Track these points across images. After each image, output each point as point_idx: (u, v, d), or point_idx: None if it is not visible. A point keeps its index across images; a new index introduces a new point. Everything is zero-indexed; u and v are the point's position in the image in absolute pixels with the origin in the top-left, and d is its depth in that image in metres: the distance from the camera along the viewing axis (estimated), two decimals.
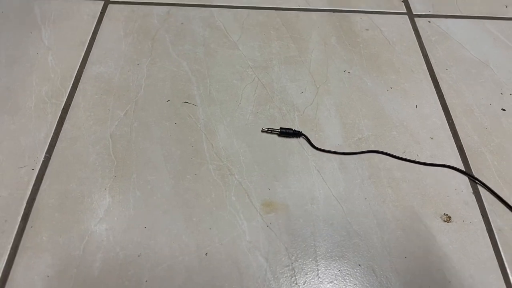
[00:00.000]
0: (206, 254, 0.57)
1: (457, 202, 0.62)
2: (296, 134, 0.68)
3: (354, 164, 0.65)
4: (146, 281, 0.54)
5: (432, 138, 0.69)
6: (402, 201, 0.62)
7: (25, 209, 0.60)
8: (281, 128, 0.68)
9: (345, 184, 0.63)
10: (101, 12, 0.85)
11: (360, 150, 0.66)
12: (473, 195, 0.63)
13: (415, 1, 0.90)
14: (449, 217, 0.61)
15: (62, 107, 0.70)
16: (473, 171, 0.65)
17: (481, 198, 0.63)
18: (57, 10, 0.84)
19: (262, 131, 0.69)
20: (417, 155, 0.66)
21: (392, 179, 0.64)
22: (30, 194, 0.61)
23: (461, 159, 0.67)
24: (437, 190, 0.63)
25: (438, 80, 0.76)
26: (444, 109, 0.73)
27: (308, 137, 0.68)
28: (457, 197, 0.63)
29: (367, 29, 0.84)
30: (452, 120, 0.71)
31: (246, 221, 0.59)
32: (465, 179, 0.65)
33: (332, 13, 0.87)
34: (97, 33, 0.81)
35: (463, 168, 0.65)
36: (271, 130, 0.69)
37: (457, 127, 0.70)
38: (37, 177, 0.63)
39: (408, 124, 0.70)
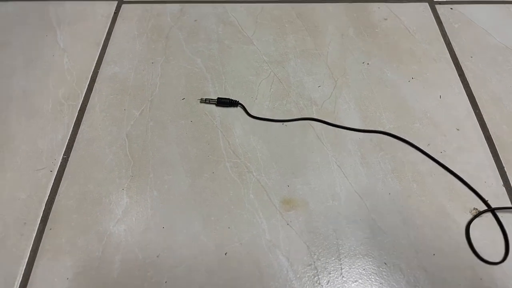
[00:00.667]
0: (225, 254, 0.55)
1: (487, 195, 0.59)
2: (233, 103, 0.70)
3: (376, 158, 0.63)
4: (165, 282, 0.53)
5: (458, 129, 0.66)
6: (428, 196, 0.59)
7: (44, 211, 0.59)
8: (218, 98, 0.70)
9: (368, 179, 0.61)
10: (114, 12, 0.84)
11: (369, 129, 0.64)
12: (504, 188, 0.60)
13: None
14: (479, 211, 0.58)
15: (78, 108, 0.70)
16: (503, 162, 0.62)
17: None
18: (71, 12, 0.84)
19: (201, 101, 0.70)
20: (444, 150, 0.64)
21: (417, 173, 0.61)
22: (49, 196, 0.61)
23: (490, 150, 0.63)
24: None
25: (463, 69, 0.73)
26: (470, 98, 0.70)
27: (244, 106, 0.69)
28: (487, 190, 0.60)
29: (385, 19, 0.81)
30: (479, 109, 0.68)
31: (266, 220, 0.58)
32: (495, 170, 0.62)
33: (348, 3, 0.85)
34: (111, 33, 0.81)
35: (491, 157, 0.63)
36: (209, 101, 0.70)
37: (484, 116, 0.67)
38: (55, 179, 0.62)
39: (432, 116, 0.67)
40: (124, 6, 0.85)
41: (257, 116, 0.68)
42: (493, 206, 0.58)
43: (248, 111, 0.68)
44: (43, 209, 0.60)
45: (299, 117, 0.67)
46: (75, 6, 0.86)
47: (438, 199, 0.59)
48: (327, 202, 0.59)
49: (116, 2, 0.86)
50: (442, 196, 0.59)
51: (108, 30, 0.81)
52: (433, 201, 0.59)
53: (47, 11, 0.85)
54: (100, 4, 0.86)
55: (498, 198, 0.59)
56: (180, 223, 0.58)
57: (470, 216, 0.57)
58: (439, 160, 0.62)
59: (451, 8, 0.83)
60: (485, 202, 0.59)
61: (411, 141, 0.64)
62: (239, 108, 0.69)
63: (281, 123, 0.67)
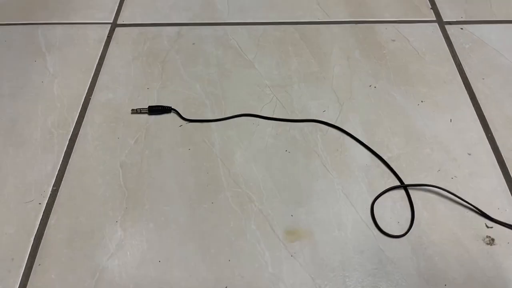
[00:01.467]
0: None
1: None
2: (166, 109, 0.78)
3: (384, 186, 0.68)
4: None
5: (470, 154, 0.71)
6: (438, 224, 0.64)
7: (32, 246, 0.63)
8: (149, 106, 0.78)
9: (376, 207, 0.66)
10: (108, 36, 0.91)
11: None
12: None
13: (445, 7, 0.94)
14: (492, 240, 0.62)
15: (69, 137, 0.75)
16: None
17: None
18: (62, 36, 0.91)
19: (132, 112, 0.78)
20: (455, 175, 0.68)
21: (427, 200, 0.66)
22: (38, 230, 0.65)
23: (503, 176, 0.68)
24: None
25: (474, 91, 0.79)
26: (482, 122, 0.75)
27: (178, 110, 0.76)
28: (500, 217, 0.64)
29: (393, 40, 0.88)
30: (491, 133, 0.73)
31: (268, 251, 0.62)
32: (509, 197, 0.66)
33: (354, 24, 0.91)
34: (104, 58, 0.87)
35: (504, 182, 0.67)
36: (140, 110, 0.78)
37: (497, 141, 0.72)
38: (44, 212, 0.67)
39: (442, 140, 0.73)
40: (118, 29, 0.92)
41: (193, 119, 0.77)
42: (507, 233, 0.62)
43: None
44: (31, 244, 0.63)
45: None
46: (66, 30, 0.92)
47: (449, 226, 0.63)
48: (333, 232, 0.64)
49: (110, 25, 0.93)
50: (453, 224, 0.64)
51: (101, 54, 0.87)
52: (443, 229, 0.63)
53: (35, 35, 0.91)
54: (93, 27, 0.93)
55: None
56: (177, 256, 0.62)
57: (483, 244, 0.62)
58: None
59: (461, 28, 0.90)
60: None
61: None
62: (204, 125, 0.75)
63: (284, 151, 0.72)
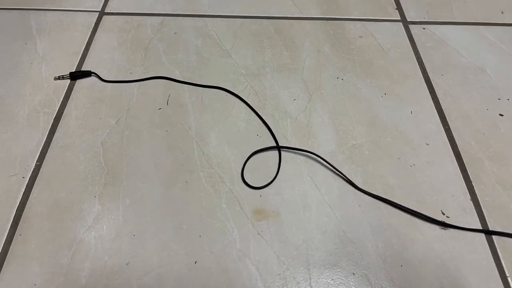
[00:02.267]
0: (195, 263, 0.55)
1: (455, 209, 0.61)
2: (86, 73, 0.76)
3: (347, 170, 0.64)
4: None
5: (428, 144, 0.68)
6: (397, 208, 0.61)
7: (14, 217, 0.59)
8: (70, 72, 0.76)
9: (339, 191, 0.62)
10: (95, 23, 0.85)
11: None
12: (471, 202, 0.61)
13: (409, 8, 0.90)
14: (446, 224, 0.60)
15: (54, 116, 0.70)
16: (470, 177, 0.64)
17: (479, 204, 0.61)
18: (52, 21, 0.85)
19: (54, 79, 0.75)
20: (413, 163, 0.65)
21: (387, 185, 0.63)
22: (20, 202, 0.60)
23: (458, 165, 0.65)
24: (434, 197, 0.62)
25: (434, 86, 0.76)
26: (440, 115, 0.72)
27: (98, 73, 0.76)
28: (454, 204, 0.61)
29: (360, 37, 0.84)
30: (448, 126, 0.70)
31: (237, 229, 0.58)
32: (463, 185, 0.63)
33: (325, 21, 0.87)
34: (91, 43, 0.81)
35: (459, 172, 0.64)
36: (62, 77, 0.75)
37: (453, 133, 0.69)
38: (27, 185, 0.62)
39: (403, 130, 0.69)
40: (105, 17, 0.86)
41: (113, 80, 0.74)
42: (460, 219, 0.60)
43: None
44: (13, 215, 0.59)
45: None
46: (56, 16, 0.86)
47: (407, 211, 0.60)
48: (299, 213, 0.60)
49: (98, 13, 0.87)
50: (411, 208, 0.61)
51: (88, 40, 0.82)
52: (401, 213, 0.60)
53: (27, 20, 0.85)
54: (82, 14, 0.87)
55: (465, 211, 0.60)
56: (151, 231, 0.58)
57: (438, 229, 0.59)
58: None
59: (424, 28, 0.86)
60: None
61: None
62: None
63: (256, 135, 0.68)
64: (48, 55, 0.79)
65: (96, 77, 0.75)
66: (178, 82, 0.75)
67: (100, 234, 0.58)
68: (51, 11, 0.87)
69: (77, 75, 0.75)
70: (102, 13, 0.87)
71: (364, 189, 0.62)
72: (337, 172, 0.64)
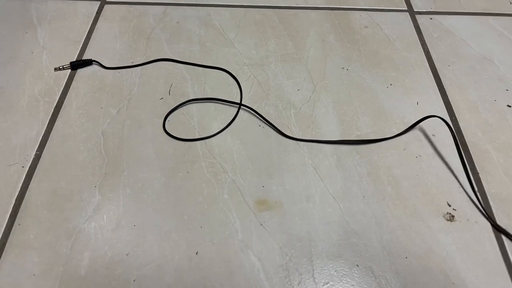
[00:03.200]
0: (196, 253, 0.54)
1: (460, 200, 0.60)
2: (87, 62, 0.74)
3: (352, 162, 0.63)
4: (134, 281, 0.52)
5: (434, 135, 0.66)
6: (402, 199, 0.59)
7: (13, 207, 0.58)
8: (71, 62, 0.74)
9: (343, 181, 0.61)
10: (97, 12, 0.84)
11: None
12: (478, 193, 0.60)
13: None
14: (452, 216, 0.58)
15: (54, 105, 0.69)
16: (477, 168, 0.63)
17: (486, 195, 0.60)
18: (53, 10, 0.84)
19: (55, 70, 0.74)
20: (419, 154, 0.64)
21: (392, 177, 0.62)
22: (19, 191, 0.60)
23: (465, 156, 0.64)
24: (440, 188, 0.61)
25: (441, 77, 0.74)
26: (446, 105, 0.70)
27: (99, 61, 0.75)
28: (460, 195, 0.60)
29: (366, 27, 0.82)
30: (455, 116, 0.69)
31: (239, 220, 0.57)
32: (470, 176, 0.62)
33: (330, 11, 0.86)
34: (92, 32, 0.80)
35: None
36: (63, 67, 0.74)
37: (460, 124, 0.68)
38: (26, 174, 0.61)
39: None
40: (106, 6, 0.85)
41: (115, 66, 0.75)
42: (466, 211, 0.59)
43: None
44: (12, 204, 0.58)
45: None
46: (58, 5, 0.85)
47: (412, 202, 0.59)
48: (302, 204, 0.59)
49: (99, 2, 0.86)
50: (416, 200, 0.59)
51: (89, 29, 0.81)
52: (406, 204, 0.59)
53: (28, 9, 0.84)
54: (83, 3, 0.86)
55: (470, 203, 0.59)
56: (152, 221, 0.57)
57: (443, 220, 0.58)
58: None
59: (431, 18, 0.84)
60: None
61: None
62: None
63: (258, 126, 0.67)
64: (49, 44, 0.78)
65: (98, 65, 0.74)
66: (180, 62, 0.75)
67: (100, 224, 0.57)
68: (53, 0, 0.86)
69: (78, 64, 0.74)
70: (103, 2, 0.86)
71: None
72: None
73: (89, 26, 0.81)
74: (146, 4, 0.86)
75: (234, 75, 0.73)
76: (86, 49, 0.77)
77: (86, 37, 0.79)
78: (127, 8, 0.85)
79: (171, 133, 0.65)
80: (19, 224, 0.57)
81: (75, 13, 0.84)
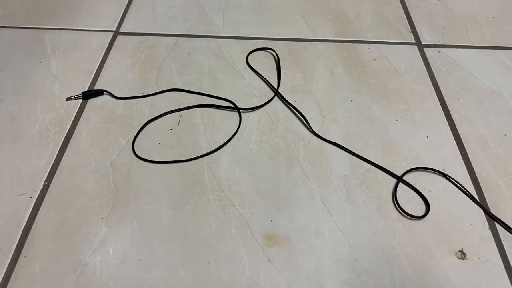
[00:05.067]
0: None
1: (472, 237, 0.57)
2: (99, 92, 0.73)
3: (361, 196, 0.61)
4: None
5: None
6: (413, 236, 0.57)
7: (20, 238, 0.56)
8: (82, 92, 0.73)
9: (352, 217, 0.59)
10: (109, 43, 0.83)
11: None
12: (489, 230, 0.58)
13: (424, 31, 0.87)
14: (464, 254, 0.56)
15: (65, 135, 0.67)
16: (488, 204, 0.60)
17: (498, 234, 0.57)
18: (67, 40, 0.84)
19: (66, 99, 0.73)
20: (430, 190, 0.62)
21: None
22: (26, 222, 0.58)
23: (476, 192, 0.62)
24: (451, 225, 0.58)
25: (450, 110, 0.72)
26: (456, 139, 0.68)
27: (111, 91, 0.74)
28: (472, 232, 0.57)
29: (374, 59, 0.81)
30: (465, 151, 0.67)
31: (247, 255, 0.55)
32: (481, 212, 0.59)
33: (339, 43, 0.84)
34: (104, 62, 0.79)
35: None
36: (74, 97, 0.73)
37: (471, 158, 0.66)
38: (34, 205, 0.60)
39: (418, 155, 0.66)
40: (119, 37, 0.85)
41: (126, 96, 0.72)
42: (478, 249, 0.56)
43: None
44: (19, 236, 0.57)
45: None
46: (71, 35, 0.85)
47: (423, 239, 0.57)
48: (311, 239, 0.57)
49: (112, 33, 0.86)
50: (427, 237, 0.57)
51: (102, 59, 0.80)
52: (417, 241, 0.56)
53: (43, 39, 0.84)
54: (96, 34, 0.85)
55: (483, 241, 0.57)
56: (158, 255, 0.55)
57: (455, 258, 0.55)
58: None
59: (439, 51, 0.83)
60: None
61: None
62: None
63: (267, 158, 0.65)
64: (62, 74, 0.77)
65: (109, 95, 0.73)
66: (190, 92, 0.74)
67: (106, 258, 0.55)
68: (66, 31, 0.86)
69: (89, 94, 0.73)
70: (116, 33, 0.86)
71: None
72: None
73: (102, 56, 0.81)
74: (158, 35, 0.85)
75: (243, 106, 0.72)
76: (98, 79, 0.76)
77: (99, 67, 0.79)
78: (139, 39, 0.84)
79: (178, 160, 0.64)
80: (25, 256, 0.55)
81: (89, 44, 0.83)
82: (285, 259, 0.55)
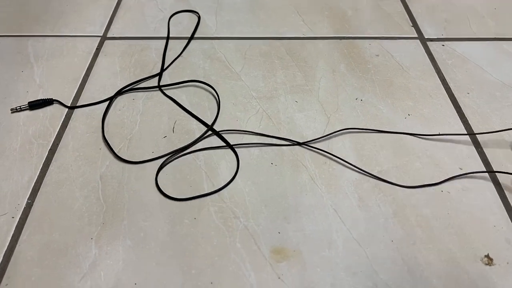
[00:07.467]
0: None
1: (498, 241, 0.50)
2: (48, 102, 0.66)
3: (375, 200, 0.54)
4: None
5: (461, 169, 0.57)
6: (434, 243, 0.50)
7: (1, 264, 0.49)
8: (28, 102, 0.65)
9: (366, 224, 0.52)
10: (97, 48, 0.76)
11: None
12: None
13: (425, 25, 0.81)
14: (491, 259, 0.49)
15: (49, 148, 0.60)
16: (511, 203, 0.54)
17: None
18: (51, 47, 0.76)
19: (12, 111, 0.65)
20: (448, 191, 0.55)
21: (421, 217, 0.52)
22: (8, 246, 0.50)
23: (497, 191, 0.55)
24: (474, 228, 0.51)
25: (460, 105, 0.66)
26: (471, 136, 0.62)
27: (61, 101, 0.66)
28: (497, 235, 0.51)
29: (377, 55, 0.74)
30: (481, 148, 0.60)
31: (254, 272, 0.48)
32: (504, 213, 0.53)
33: (338, 40, 0.78)
34: (91, 69, 0.72)
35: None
36: (20, 108, 0.65)
37: (487, 155, 0.59)
38: (16, 226, 0.52)
39: (432, 154, 0.59)
40: (107, 41, 0.77)
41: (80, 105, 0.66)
42: (506, 253, 0.49)
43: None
44: (0, 260, 0.49)
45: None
46: (56, 42, 0.77)
47: (446, 245, 0.50)
48: (323, 252, 0.49)
49: (99, 38, 0.78)
50: (449, 242, 0.50)
51: (89, 66, 0.72)
52: (440, 248, 0.49)
53: (25, 47, 0.76)
54: (82, 39, 0.78)
55: (509, 243, 0.50)
56: (155, 277, 0.47)
57: (481, 265, 0.48)
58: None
59: (443, 45, 0.76)
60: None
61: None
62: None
63: (270, 163, 0.58)
64: (46, 83, 0.69)
65: (59, 103, 0.66)
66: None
67: (97, 283, 0.47)
68: (50, 37, 0.78)
69: (36, 104, 0.65)
70: (104, 38, 0.78)
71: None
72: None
73: (89, 62, 0.73)
74: (148, 39, 0.78)
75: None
76: (86, 86, 0.69)
77: (85, 74, 0.71)
78: (129, 43, 0.77)
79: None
80: (7, 284, 0.47)
81: (74, 50, 0.75)
82: (296, 275, 0.48)
